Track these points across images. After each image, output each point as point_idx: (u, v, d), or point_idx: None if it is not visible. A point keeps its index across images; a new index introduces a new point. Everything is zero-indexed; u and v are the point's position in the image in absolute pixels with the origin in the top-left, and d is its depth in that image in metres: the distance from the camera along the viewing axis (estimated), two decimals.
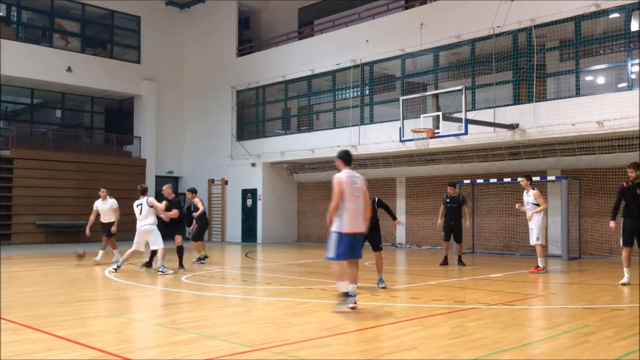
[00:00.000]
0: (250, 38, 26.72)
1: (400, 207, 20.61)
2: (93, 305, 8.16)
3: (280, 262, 15.03)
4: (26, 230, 21.83)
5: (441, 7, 18.31)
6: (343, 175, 7.33)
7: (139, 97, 25.89)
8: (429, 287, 9.68)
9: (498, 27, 16.23)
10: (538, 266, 11.82)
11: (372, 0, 22.19)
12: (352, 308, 7.19)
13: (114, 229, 13.55)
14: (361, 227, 7.37)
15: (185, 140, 27.01)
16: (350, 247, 7.25)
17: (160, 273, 11.40)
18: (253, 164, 23.76)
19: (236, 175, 24.39)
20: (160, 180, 25.93)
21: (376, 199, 9.52)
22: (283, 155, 22.49)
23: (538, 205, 11.80)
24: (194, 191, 13.92)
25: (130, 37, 26.23)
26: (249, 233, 23.93)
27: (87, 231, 14.01)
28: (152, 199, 11.98)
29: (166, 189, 12.69)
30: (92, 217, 13.83)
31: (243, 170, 24.10)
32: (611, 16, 14.87)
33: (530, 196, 11.91)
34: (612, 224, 9.87)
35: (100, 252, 13.70)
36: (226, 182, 24.86)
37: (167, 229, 12.40)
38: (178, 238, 12.46)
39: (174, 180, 26.72)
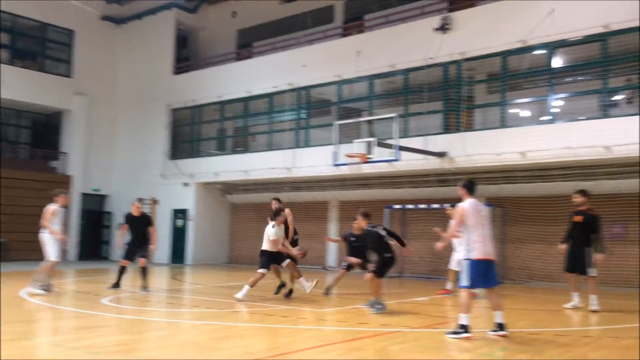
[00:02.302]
0: (188, 57, 26.48)
1: (333, 230, 20.75)
2: (2, 327, 7.71)
3: (209, 285, 14.76)
4: None
5: (377, 36, 18.80)
6: (466, 205, 7.42)
7: (69, 111, 25.05)
8: (357, 311, 9.74)
9: (430, 58, 16.81)
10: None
11: (310, 27, 22.52)
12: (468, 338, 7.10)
13: None
14: (491, 254, 7.35)
15: (116, 158, 26.23)
16: (482, 273, 7.23)
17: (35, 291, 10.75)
18: (185, 184, 23.37)
19: (167, 195, 23.86)
20: (87, 198, 25.08)
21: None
22: (217, 176, 22.26)
23: None
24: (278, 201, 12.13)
25: (63, 50, 25.45)
26: (178, 254, 23.37)
27: None
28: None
29: (136, 203, 12.64)
30: None
31: (175, 190, 23.63)
32: (535, 52, 15.68)
33: None
34: None
35: None
36: (155, 202, 24.19)
37: (133, 247, 12.10)
38: (142, 260, 12.02)
39: (100, 199, 25.90)
